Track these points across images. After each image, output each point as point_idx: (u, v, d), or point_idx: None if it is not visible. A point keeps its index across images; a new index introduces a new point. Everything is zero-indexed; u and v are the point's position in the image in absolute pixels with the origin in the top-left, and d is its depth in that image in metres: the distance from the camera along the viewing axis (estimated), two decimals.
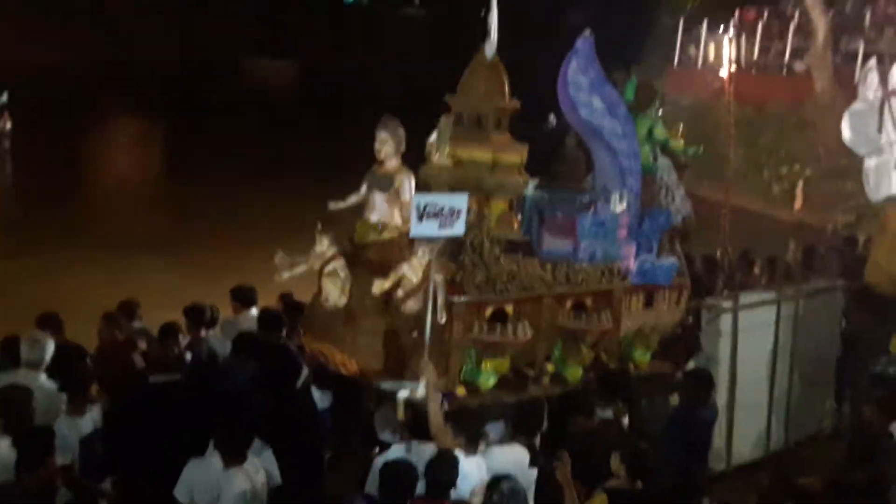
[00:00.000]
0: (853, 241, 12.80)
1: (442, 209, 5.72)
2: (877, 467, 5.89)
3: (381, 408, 6.11)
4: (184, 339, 7.24)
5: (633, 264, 7.01)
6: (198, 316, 7.38)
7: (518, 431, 5.99)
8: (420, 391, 5.75)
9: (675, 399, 7.10)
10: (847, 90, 20.70)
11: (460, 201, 5.83)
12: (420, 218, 5.68)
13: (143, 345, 7.28)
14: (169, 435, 5.74)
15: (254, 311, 7.98)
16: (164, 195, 20.80)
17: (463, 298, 6.11)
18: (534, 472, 5.57)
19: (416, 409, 5.67)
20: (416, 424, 5.50)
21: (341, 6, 51.96)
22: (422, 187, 6.54)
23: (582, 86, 6.71)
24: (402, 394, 5.88)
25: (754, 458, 7.98)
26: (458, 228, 5.85)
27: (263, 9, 48.27)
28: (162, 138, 29.59)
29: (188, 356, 7.08)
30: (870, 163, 10.32)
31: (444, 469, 5.07)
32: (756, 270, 10.57)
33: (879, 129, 10.07)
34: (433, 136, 5.99)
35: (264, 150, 23.96)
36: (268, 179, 19.63)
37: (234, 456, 5.10)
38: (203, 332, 7.32)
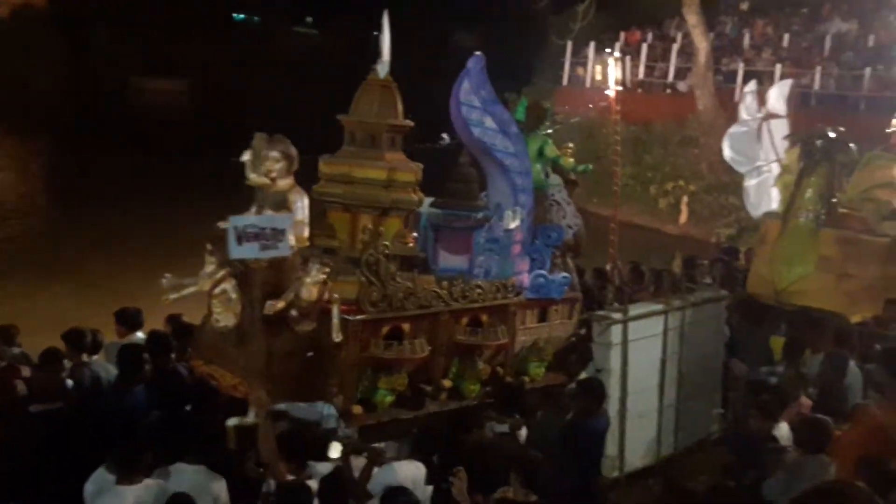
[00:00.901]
0: (735, 252, 13.31)
1: (263, 230, 5.67)
2: (760, 470, 6.12)
3: (276, 428, 6.00)
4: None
5: (526, 279, 7.12)
6: (78, 341, 7.14)
7: (416, 448, 5.99)
8: (251, 417, 5.69)
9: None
10: (728, 109, 21.64)
11: (283, 222, 5.77)
12: (239, 240, 5.63)
13: (25, 371, 6.98)
14: (53, 463, 5.56)
15: (139, 335, 7.76)
16: (51, 218, 20.06)
17: (359, 317, 6.08)
18: (430, 489, 5.58)
19: (249, 435, 5.62)
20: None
21: (233, 24, 51.35)
22: (316, 205, 6.49)
23: (474, 105, 6.80)
24: (232, 421, 5.81)
25: (646, 464, 8.18)
26: (283, 249, 5.79)
27: (153, 27, 47.24)
28: (50, 160, 28.53)
29: (70, 383, 6.84)
30: (750, 182, 10.81)
31: (336, 487, 5.07)
32: (645, 282, 10.88)
33: (758, 150, 10.57)
34: (246, 155, 5.88)
35: (155, 169, 23.38)
36: (158, 200, 19.17)
37: (126, 475, 5.05)
38: (85, 357, 7.07)
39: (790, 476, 5.75)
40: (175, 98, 44.08)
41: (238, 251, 5.69)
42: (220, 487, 5.63)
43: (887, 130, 19.25)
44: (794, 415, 6.99)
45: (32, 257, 15.50)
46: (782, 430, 6.62)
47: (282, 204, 6.12)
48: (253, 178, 5.84)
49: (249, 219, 5.73)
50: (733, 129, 11.01)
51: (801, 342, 8.09)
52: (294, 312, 5.94)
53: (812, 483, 5.38)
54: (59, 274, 14.21)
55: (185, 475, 5.53)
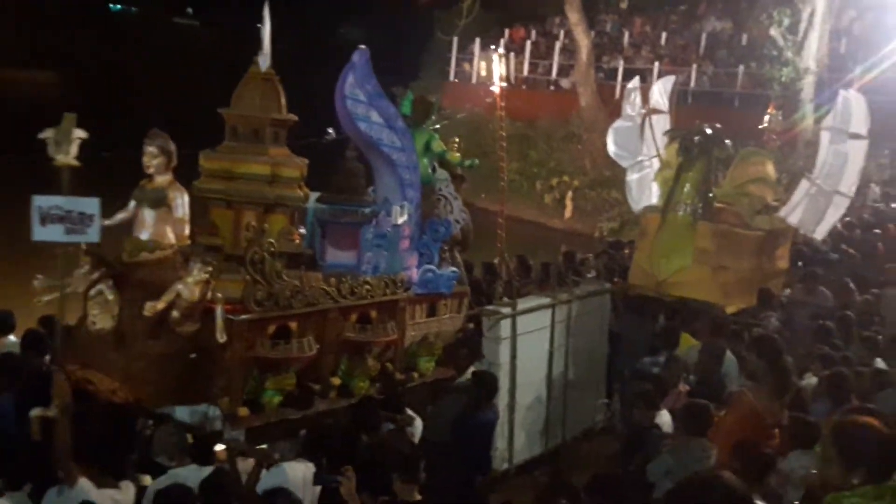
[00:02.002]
0: (621, 246, 13.62)
1: (69, 213, 5.46)
2: (645, 458, 6.28)
3: (159, 432, 5.81)
4: None
5: (415, 274, 7.10)
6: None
7: (305, 448, 5.89)
8: (52, 409, 5.50)
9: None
10: (609, 105, 22.22)
11: (91, 205, 5.55)
12: (42, 222, 5.41)
13: None
14: None
15: (12, 338, 7.38)
16: None
17: (244, 316, 5.93)
18: (317, 489, 5.49)
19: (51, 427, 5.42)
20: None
21: (109, 14, 49.52)
22: (197, 202, 6.30)
23: (360, 99, 6.73)
24: (35, 411, 5.57)
25: (534, 455, 8.30)
26: (92, 235, 5.57)
27: (21, 16, 45.01)
28: None
29: None
30: (632, 176, 11.08)
31: (217, 488, 4.93)
32: (532, 276, 11.03)
33: (640, 145, 10.84)
34: (47, 133, 5.63)
35: (26, 165, 22.26)
36: (26, 198, 18.26)
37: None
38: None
39: (673, 459, 5.92)
40: (46, 91, 42.15)
41: (41, 233, 5.44)
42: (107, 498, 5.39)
43: (760, 126, 20.19)
44: (674, 402, 7.20)
45: None
46: (664, 418, 6.81)
47: (161, 201, 5.94)
48: (60, 158, 5.56)
49: (55, 199, 5.47)
50: (617, 124, 11.25)
51: (677, 332, 8.34)
52: (176, 313, 5.76)
53: (694, 465, 5.58)
54: None
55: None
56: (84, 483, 5.05)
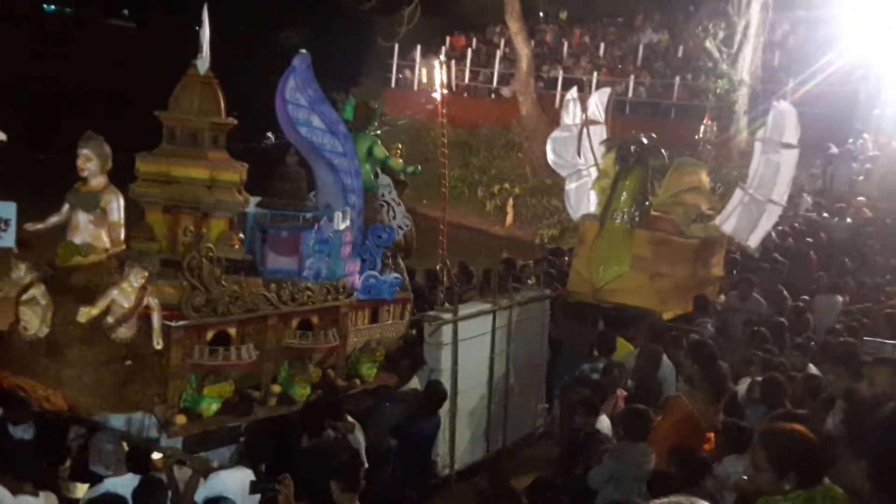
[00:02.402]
0: (561, 253, 13.75)
1: None
2: (586, 463, 6.34)
3: (94, 440, 5.67)
4: None
5: (357, 280, 7.06)
6: None
7: (244, 456, 5.82)
8: None
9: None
10: (549, 114, 22.44)
11: (7, 210, 5.54)
12: None
13: None
14: None
15: None
16: None
17: (181, 322, 5.83)
18: (256, 498, 5.42)
19: None
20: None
21: (41, 14, 48.25)
22: (132, 206, 6.18)
23: (301, 104, 6.67)
24: None
25: (476, 460, 8.32)
26: (8, 240, 5.57)
27: None
28: None
29: None
30: (570, 185, 11.25)
31: (149, 497, 4.86)
32: (473, 282, 11.07)
33: (579, 154, 10.99)
34: None
35: None
36: None
37: None
38: None
39: (614, 463, 5.99)
40: None
41: None
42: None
43: (695, 137, 20.56)
44: (612, 407, 7.29)
45: None
46: (603, 423, 6.89)
47: (95, 204, 5.81)
48: None
49: None
50: (555, 133, 11.40)
51: (612, 337, 8.46)
52: (110, 319, 5.64)
53: (635, 469, 5.65)
54: None
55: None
56: None
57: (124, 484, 5.11)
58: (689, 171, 11.11)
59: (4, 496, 4.94)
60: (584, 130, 10.92)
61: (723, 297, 10.60)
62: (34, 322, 5.76)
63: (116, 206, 5.84)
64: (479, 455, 8.41)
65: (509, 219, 23.84)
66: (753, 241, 10.55)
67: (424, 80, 26.39)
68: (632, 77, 24.54)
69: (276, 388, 6.51)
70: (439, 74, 13.01)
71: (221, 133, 6.63)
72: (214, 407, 6.05)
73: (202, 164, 6.41)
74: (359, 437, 6.73)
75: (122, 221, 5.90)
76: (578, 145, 10.96)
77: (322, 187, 7.07)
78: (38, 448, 5.66)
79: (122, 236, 5.93)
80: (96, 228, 5.81)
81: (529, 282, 10.02)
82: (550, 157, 11.41)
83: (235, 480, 5.60)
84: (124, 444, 5.53)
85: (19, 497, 4.98)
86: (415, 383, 7.69)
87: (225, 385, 6.09)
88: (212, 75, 6.56)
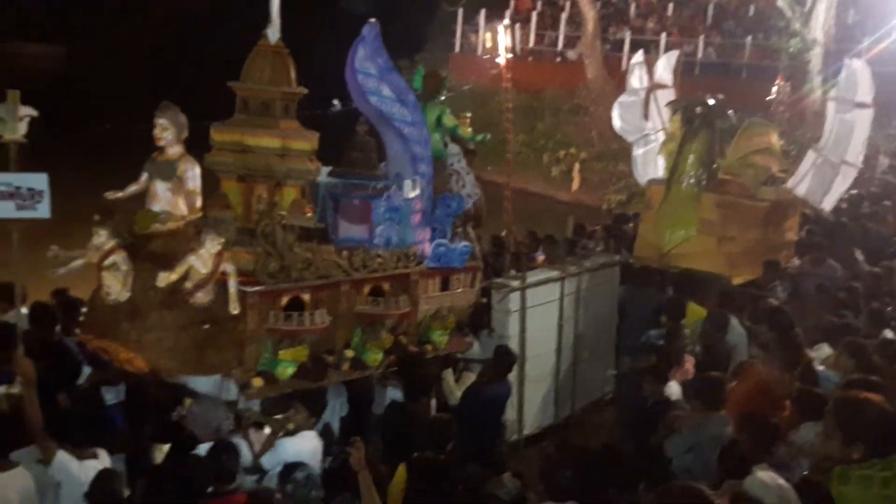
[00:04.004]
0: (627, 219, 13.66)
1: (18, 189, 5.55)
2: (656, 431, 6.33)
3: (192, 406, 5.89)
4: None
5: (427, 249, 7.12)
6: None
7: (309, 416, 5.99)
8: (16, 387, 5.56)
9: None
10: (616, 77, 22.12)
11: (39, 181, 5.63)
12: None
13: None
14: None
15: (22, 310, 7.44)
16: None
17: (256, 288, 5.97)
18: (327, 461, 5.59)
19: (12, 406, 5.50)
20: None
21: None
22: (207, 175, 6.32)
23: (370, 73, 6.70)
24: (0, 389, 5.68)
25: (544, 426, 8.38)
26: (43, 210, 5.66)
27: None
28: None
29: None
30: (638, 151, 11.13)
31: (223, 460, 5.03)
32: (541, 249, 11.07)
33: (645, 119, 10.86)
34: None
35: (33, 140, 22.24)
36: (38, 170, 18.26)
37: None
38: None
39: (694, 434, 5.96)
40: (53, 65, 41.99)
41: None
42: (119, 464, 5.49)
43: (768, 98, 20.05)
44: (680, 373, 7.27)
45: None
46: (672, 389, 6.87)
47: (172, 173, 5.95)
48: (7, 135, 5.60)
49: (3, 177, 5.54)
50: (622, 98, 11.26)
51: (683, 303, 8.39)
52: (189, 284, 5.79)
53: (714, 440, 5.63)
54: None
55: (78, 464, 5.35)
56: (62, 456, 5.13)
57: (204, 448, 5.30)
58: (758, 133, 10.85)
59: (69, 461, 5.16)
60: (652, 95, 10.76)
61: (796, 262, 10.41)
62: (116, 287, 5.93)
63: (192, 175, 5.97)
64: (547, 421, 8.48)
65: (575, 184, 23.67)
66: (827, 204, 10.33)
67: (489, 44, 26.21)
68: (701, 37, 24.02)
69: (349, 354, 6.63)
70: (504, 38, 12.92)
71: (292, 102, 6.70)
72: (290, 370, 6.19)
73: (274, 133, 6.50)
74: (432, 403, 6.86)
75: (199, 190, 6.03)
76: (645, 110, 10.82)
77: (392, 156, 7.12)
78: (125, 409, 5.91)
79: (199, 204, 6.07)
80: (174, 196, 5.95)
81: (598, 248, 9.99)
82: (617, 122, 11.29)
83: (307, 444, 5.76)
84: (221, 411, 5.73)
85: (84, 462, 5.20)
86: (476, 349, 7.78)
87: (300, 349, 6.22)
88: (282, 45, 6.62)
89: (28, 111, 5.65)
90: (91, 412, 5.98)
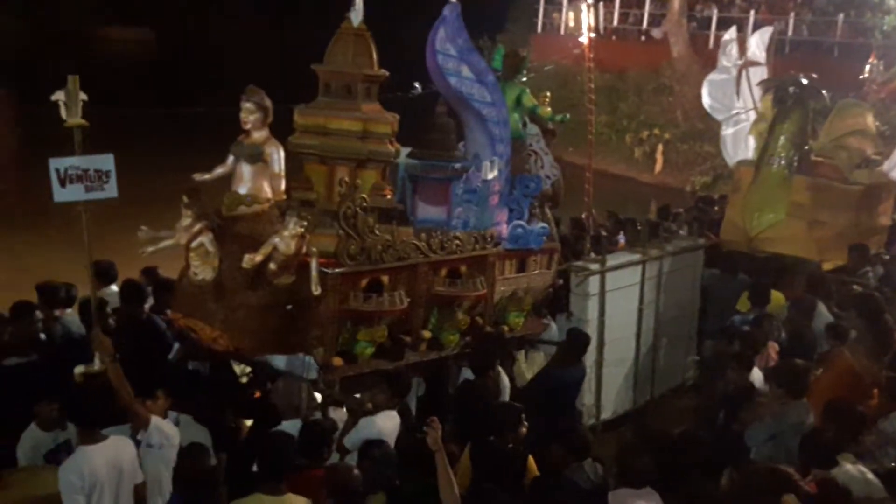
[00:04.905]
0: (711, 201, 13.40)
1: (86, 171, 5.63)
2: (734, 417, 6.22)
3: (279, 384, 6.03)
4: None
5: (505, 230, 7.12)
6: (51, 295, 7.07)
7: (393, 396, 6.07)
8: (96, 364, 5.71)
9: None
10: (702, 56, 21.63)
11: (106, 162, 5.71)
12: (62, 183, 5.58)
13: None
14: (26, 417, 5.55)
15: (114, 288, 7.72)
16: (19, 170, 19.74)
17: (338, 270, 6.06)
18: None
19: (96, 381, 5.63)
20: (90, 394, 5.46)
21: None
22: (291, 157, 6.42)
23: (451, 54, 6.70)
24: (79, 369, 5.81)
25: (622, 411, 8.32)
26: (110, 191, 5.75)
27: None
28: (16, 112, 27.91)
29: (43, 336, 6.80)
30: (727, 130, 10.88)
31: (311, 436, 5.14)
32: (622, 232, 10.95)
33: (736, 98, 10.61)
34: (58, 95, 5.76)
35: (124, 122, 22.94)
36: (128, 153, 18.85)
37: (89, 434, 4.98)
38: (58, 312, 7.01)
39: (776, 422, 5.85)
40: (141, 48, 43.19)
41: (62, 194, 5.63)
42: (205, 437, 5.66)
43: (860, 77, 19.32)
44: (765, 360, 7.12)
45: (6, 210, 15.29)
46: (754, 376, 6.74)
47: (257, 156, 6.06)
48: (70, 120, 5.72)
49: (70, 160, 5.64)
50: (712, 76, 11.03)
51: (767, 288, 8.20)
52: (273, 265, 5.91)
53: (795, 429, 5.51)
54: (30, 227, 14.03)
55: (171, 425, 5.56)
56: (158, 421, 5.37)
57: (294, 426, 5.43)
58: (853, 114, 10.48)
59: (162, 423, 5.43)
60: (744, 72, 10.50)
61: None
62: (203, 268, 6.09)
63: (277, 158, 6.07)
64: (625, 406, 8.41)
65: (659, 166, 23.28)
66: None
67: (571, 23, 25.91)
68: (792, 14, 23.24)
69: (427, 334, 6.70)
70: (587, 17, 12.78)
71: (374, 85, 6.75)
72: (369, 351, 6.29)
73: (356, 116, 6.57)
74: (505, 382, 6.87)
75: (283, 172, 6.13)
76: (737, 88, 10.57)
77: (470, 137, 7.11)
78: (211, 384, 6.10)
79: (283, 187, 6.17)
80: (259, 179, 6.06)
81: (682, 231, 9.82)
82: (706, 100, 11.05)
83: (387, 424, 5.84)
84: (303, 389, 5.86)
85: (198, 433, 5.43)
86: (553, 331, 7.75)
87: (378, 330, 6.31)
88: (365, 28, 6.67)
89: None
90: (178, 386, 6.18)
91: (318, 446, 5.27)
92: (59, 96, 5.64)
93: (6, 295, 7.52)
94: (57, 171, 5.56)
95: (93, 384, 5.48)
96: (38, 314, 6.93)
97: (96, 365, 5.70)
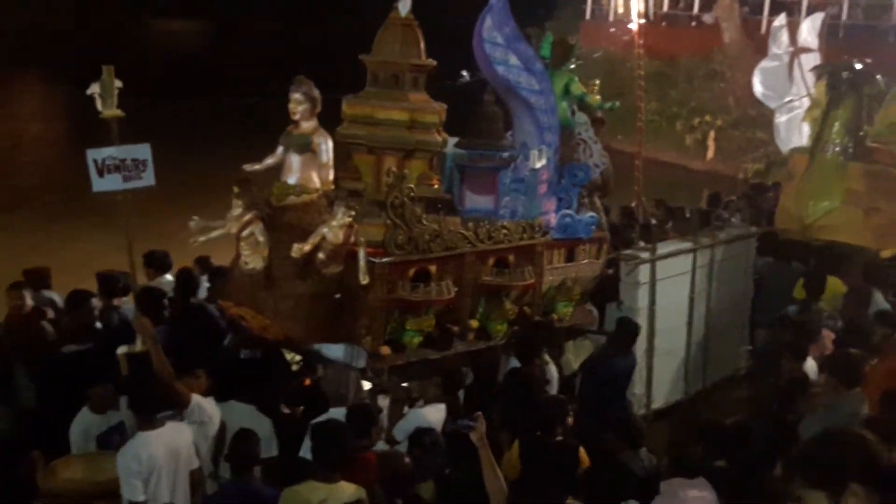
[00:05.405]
0: (764, 189, 13.19)
1: (123, 161, 5.72)
2: (789, 407, 6.12)
3: (330, 372, 6.09)
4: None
5: (553, 219, 7.08)
6: (108, 284, 7.21)
7: (443, 388, 6.08)
8: (138, 344, 5.80)
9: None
10: (755, 41, 21.23)
11: (143, 151, 5.80)
12: (100, 173, 5.68)
13: (50, 313, 7.11)
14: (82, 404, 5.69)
15: (168, 277, 7.84)
16: (73, 160, 20.15)
17: (385, 259, 6.09)
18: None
19: (139, 362, 5.70)
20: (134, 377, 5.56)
21: None
22: (339, 148, 6.46)
23: (498, 42, 6.68)
24: (122, 350, 5.90)
25: (673, 401, 8.23)
26: (148, 179, 5.84)
27: None
28: (73, 104, 28.49)
29: (99, 325, 6.95)
30: (780, 117, 10.72)
31: (359, 422, 5.17)
32: (671, 221, 10.84)
33: (789, 85, 10.44)
34: (93, 88, 5.81)
35: (178, 113, 23.31)
36: (183, 142, 19.15)
37: (147, 420, 5.06)
38: (115, 301, 7.15)
39: (829, 414, 5.73)
40: (195, 39, 43.76)
41: (101, 184, 5.74)
42: (265, 428, 5.74)
43: None
44: (819, 349, 6.99)
45: (61, 202, 15.62)
46: (808, 365, 6.62)
47: (306, 146, 6.11)
48: (106, 111, 5.78)
49: (106, 151, 5.74)
50: (763, 63, 10.88)
51: (823, 277, 8.06)
52: (321, 255, 5.96)
53: (849, 420, 5.39)
54: (87, 217, 14.30)
55: (234, 413, 5.64)
56: (198, 399, 5.43)
57: (340, 413, 5.48)
58: None
59: (202, 401, 5.46)
60: (796, 59, 10.32)
61: None
62: (253, 257, 6.17)
63: (326, 148, 6.11)
64: (677, 396, 8.31)
65: (710, 153, 22.96)
66: None
67: (621, 9, 25.63)
68: None
69: (474, 324, 6.70)
70: (636, 3, 12.60)
71: (422, 74, 6.76)
72: (417, 340, 6.32)
73: (403, 105, 6.58)
74: (552, 372, 6.84)
75: (331, 162, 6.17)
76: (790, 75, 10.41)
77: (518, 126, 7.08)
78: (264, 371, 6.17)
79: (331, 176, 6.22)
80: (307, 169, 6.11)
81: (734, 219, 9.69)
82: (758, 89, 10.91)
83: (434, 415, 5.87)
84: (351, 378, 5.91)
85: (209, 399, 5.52)
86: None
87: (426, 319, 6.32)
88: (412, 18, 6.67)
89: (118, 84, 5.87)
90: (231, 372, 6.27)
91: (366, 425, 5.30)
92: (94, 89, 5.76)
93: (64, 280, 7.70)
94: (95, 161, 5.69)
95: (146, 370, 5.58)
96: (95, 303, 7.09)
97: (138, 346, 5.81)
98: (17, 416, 6.34)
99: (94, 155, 5.70)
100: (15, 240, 13.32)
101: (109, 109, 5.77)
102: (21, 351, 6.64)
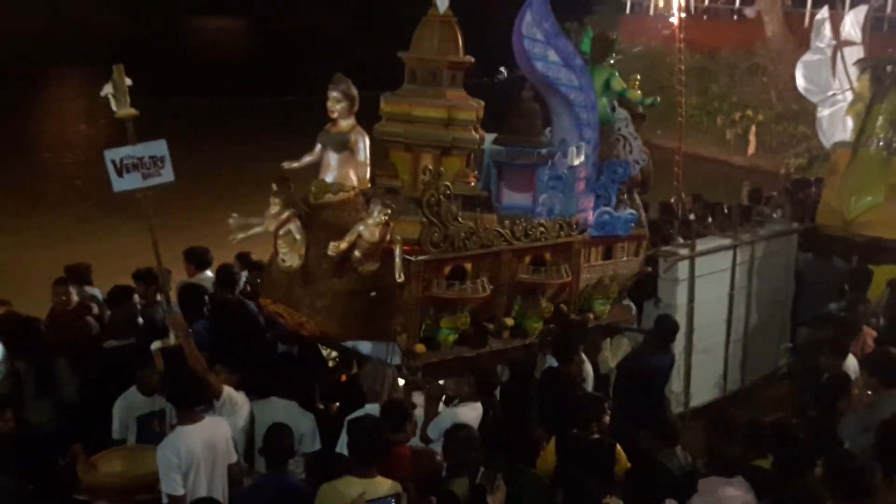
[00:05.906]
0: (806, 184, 13.03)
1: (142, 159, 5.72)
2: (829, 406, 6.03)
3: (368, 369, 6.12)
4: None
5: (591, 217, 7.03)
6: (150, 280, 7.31)
7: (477, 388, 6.08)
8: (171, 338, 5.83)
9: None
10: (797, 34, 20.92)
11: (159, 148, 5.80)
12: (119, 173, 5.69)
13: (94, 309, 7.23)
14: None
15: (209, 273, 7.94)
16: None
17: (421, 257, 6.09)
18: None
19: (172, 356, 5.74)
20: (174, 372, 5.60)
21: None
22: (377, 145, 6.47)
23: (537, 38, 6.64)
24: (156, 345, 5.93)
25: (712, 399, 8.16)
26: (167, 175, 5.85)
27: None
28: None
29: (141, 320, 7.06)
30: (823, 112, 10.58)
31: (394, 418, 5.19)
32: (710, 217, 10.72)
33: (832, 79, 10.29)
34: (107, 88, 5.75)
35: (217, 110, 23.50)
36: (221, 141, 19.34)
37: (185, 412, 5.14)
38: (159, 296, 7.25)
39: (870, 414, 5.65)
40: (234, 37, 44.15)
41: (120, 184, 5.76)
42: (308, 424, 5.79)
43: None
44: (860, 346, 6.89)
45: (101, 197, 15.85)
46: (849, 362, 6.52)
47: (343, 145, 6.12)
48: (120, 111, 5.80)
49: (125, 150, 5.76)
50: (806, 57, 10.72)
51: (867, 274, 7.93)
52: (357, 253, 5.98)
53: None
54: (127, 214, 14.50)
55: (277, 409, 5.70)
56: (229, 390, 5.53)
57: (374, 409, 5.51)
58: None
59: (233, 394, 5.57)
60: (839, 53, 10.16)
61: None
62: (290, 254, 6.21)
63: (363, 146, 6.12)
64: (715, 394, 8.25)
65: (751, 148, 22.67)
66: None
67: (661, 3, 25.38)
68: None
69: (510, 322, 6.67)
70: None
71: (459, 71, 6.73)
72: (452, 338, 6.31)
73: (440, 103, 6.57)
74: (588, 370, 6.81)
75: (368, 160, 6.19)
76: (833, 68, 10.25)
77: (557, 123, 7.04)
78: (300, 367, 6.23)
79: (368, 175, 6.23)
80: (345, 167, 6.13)
81: (775, 215, 9.56)
82: (801, 82, 10.76)
83: (469, 414, 5.87)
84: (387, 374, 5.93)
85: (240, 393, 5.61)
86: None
87: (461, 317, 6.31)
88: (451, 14, 6.65)
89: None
90: (269, 368, 6.33)
91: (400, 420, 5.33)
92: (107, 90, 5.79)
93: (110, 279, 7.83)
94: (113, 162, 5.72)
95: (181, 364, 5.65)
96: (137, 298, 7.20)
97: (171, 339, 5.89)
98: (60, 410, 6.47)
99: (111, 155, 5.74)
100: (61, 233, 13.55)
101: (123, 109, 5.81)
102: (65, 346, 6.76)
